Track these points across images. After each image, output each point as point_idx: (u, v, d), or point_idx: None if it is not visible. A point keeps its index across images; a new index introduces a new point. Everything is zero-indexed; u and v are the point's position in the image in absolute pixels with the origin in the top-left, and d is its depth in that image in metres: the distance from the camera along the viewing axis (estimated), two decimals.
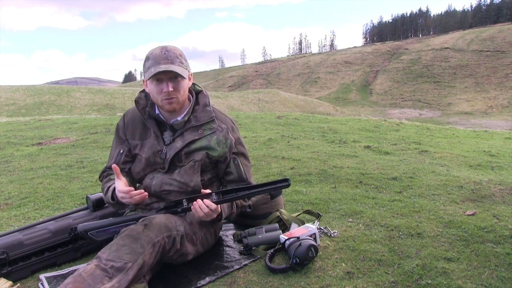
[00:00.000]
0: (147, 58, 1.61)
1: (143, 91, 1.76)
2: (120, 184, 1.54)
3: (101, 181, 1.79)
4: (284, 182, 1.54)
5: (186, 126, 1.68)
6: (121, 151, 1.74)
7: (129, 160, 1.74)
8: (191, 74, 1.70)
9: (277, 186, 1.55)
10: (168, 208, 1.58)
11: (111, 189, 1.64)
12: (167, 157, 1.66)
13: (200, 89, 1.79)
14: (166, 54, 1.58)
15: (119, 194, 1.53)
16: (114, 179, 1.66)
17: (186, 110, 1.70)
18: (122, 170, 1.73)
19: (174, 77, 1.58)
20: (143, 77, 1.67)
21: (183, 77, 1.60)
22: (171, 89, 1.57)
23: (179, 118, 1.68)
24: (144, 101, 1.73)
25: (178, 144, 1.66)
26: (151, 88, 1.62)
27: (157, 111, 1.71)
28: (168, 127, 1.70)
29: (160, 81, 1.58)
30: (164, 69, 1.54)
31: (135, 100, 1.74)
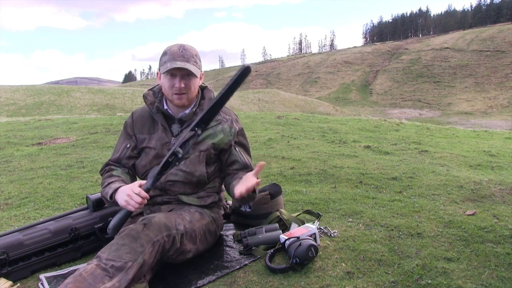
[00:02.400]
0: (164, 53, 1.68)
1: (151, 89, 1.84)
2: (137, 184, 1.51)
3: (101, 174, 1.80)
4: (245, 70, 1.42)
5: (193, 118, 1.74)
6: (128, 146, 1.79)
7: (134, 156, 1.79)
8: (202, 74, 1.76)
9: (239, 76, 1.42)
10: (165, 166, 1.49)
11: (112, 187, 1.61)
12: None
13: (205, 85, 1.86)
14: (183, 52, 1.65)
15: (128, 190, 1.48)
16: (117, 175, 1.70)
17: (193, 104, 1.76)
18: (124, 166, 1.79)
19: (187, 74, 1.66)
20: (158, 70, 1.74)
21: (195, 76, 1.67)
22: (182, 85, 1.65)
23: (186, 111, 1.74)
24: (152, 97, 1.79)
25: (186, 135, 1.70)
26: (164, 81, 1.68)
27: (165, 106, 1.76)
28: (176, 121, 1.75)
29: (173, 76, 1.66)
30: (179, 65, 1.61)
31: (143, 95, 1.81)
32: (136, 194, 1.45)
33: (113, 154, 1.82)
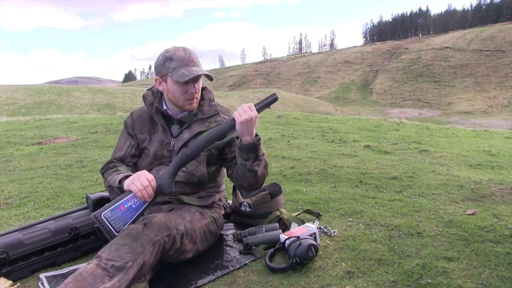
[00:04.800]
0: (170, 59, 1.61)
1: (150, 89, 1.81)
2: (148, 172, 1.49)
3: (103, 172, 1.73)
4: (273, 96, 1.57)
5: (193, 119, 1.74)
6: (132, 144, 1.76)
7: (137, 154, 1.77)
8: None
9: (268, 102, 1.57)
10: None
11: (121, 175, 1.55)
12: (174, 149, 1.70)
13: (204, 86, 1.85)
14: (191, 56, 1.64)
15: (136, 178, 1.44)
16: (123, 171, 1.64)
17: None
18: (127, 165, 1.75)
19: (198, 78, 1.65)
20: (159, 76, 1.66)
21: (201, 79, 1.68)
22: (197, 93, 1.66)
23: (186, 112, 1.73)
24: (151, 98, 1.78)
25: (186, 135, 1.70)
26: (174, 88, 1.63)
27: (164, 107, 1.75)
28: (175, 121, 1.74)
29: (186, 83, 1.62)
30: (200, 73, 1.60)
31: (142, 96, 1.79)
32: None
33: (116, 153, 1.77)
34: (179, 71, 1.59)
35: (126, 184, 1.46)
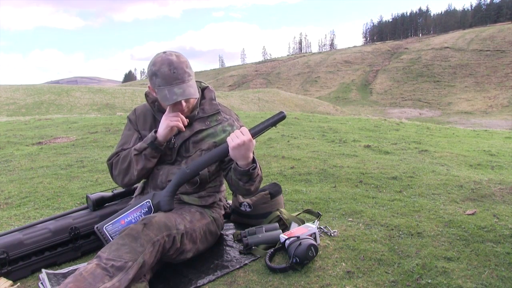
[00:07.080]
0: (155, 74, 1.58)
1: None
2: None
3: (112, 161, 1.74)
4: (280, 114, 1.58)
5: (193, 117, 1.74)
6: (139, 136, 1.77)
7: None
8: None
9: (275, 120, 1.59)
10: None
11: (149, 135, 1.66)
12: (175, 146, 1.70)
13: (206, 85, 1.85)
14: (175, 73, 1.56)
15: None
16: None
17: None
18: None
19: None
20: (149, 83, 1.68)
21: None
22: (185, 109, 1.66)
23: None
24: (153, 96, 1.76)
25: (186, 133, 1.71)
26: (163, 103, 1.62)
27: None
28: None
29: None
30: (181, 98, 1.56)
31: (145, 93, 1.78)
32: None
33: (123, 146, 1.77)
34: (163, 91, 1.57)
35: (162, 129, 1.62)
